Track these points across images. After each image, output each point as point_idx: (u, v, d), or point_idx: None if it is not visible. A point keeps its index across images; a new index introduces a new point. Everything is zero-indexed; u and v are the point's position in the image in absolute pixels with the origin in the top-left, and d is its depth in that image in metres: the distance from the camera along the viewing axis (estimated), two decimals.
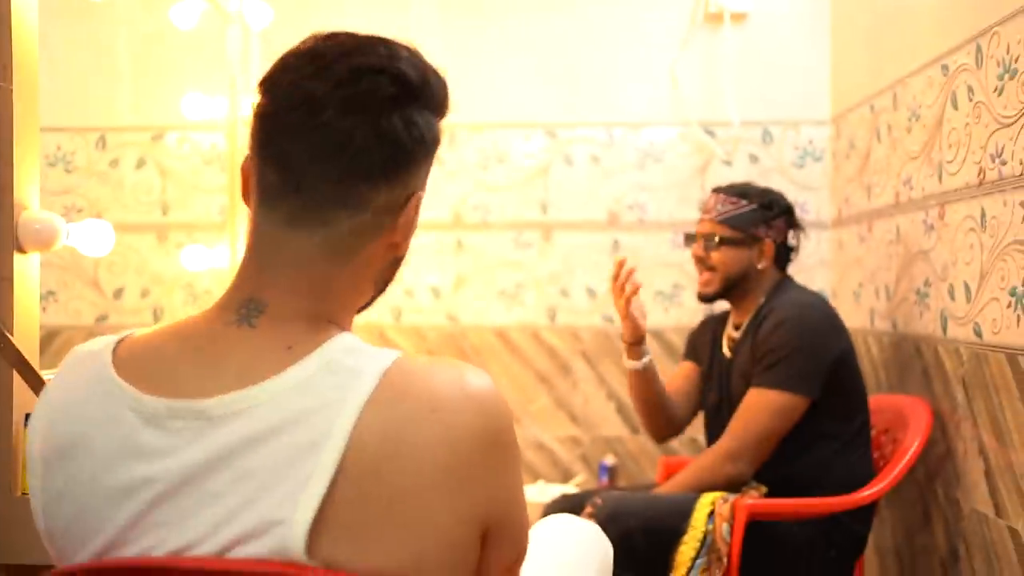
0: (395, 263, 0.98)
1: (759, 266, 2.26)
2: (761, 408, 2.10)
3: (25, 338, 1.47)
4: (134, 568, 0.85)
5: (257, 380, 0.84)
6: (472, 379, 0.88)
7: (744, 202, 2.27)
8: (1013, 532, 1.84)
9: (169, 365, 0.88)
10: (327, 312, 0.90)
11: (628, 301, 2.17)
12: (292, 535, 0.80)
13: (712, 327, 2.43)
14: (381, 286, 0.99)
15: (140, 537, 0.85)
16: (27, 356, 1.45)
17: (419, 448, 0.82)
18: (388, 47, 0.93)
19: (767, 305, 2.24)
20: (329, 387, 0.83)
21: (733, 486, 2.10)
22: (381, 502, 0.81)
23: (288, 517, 0.80)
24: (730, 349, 2.32)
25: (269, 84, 0.92)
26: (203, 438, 0.83)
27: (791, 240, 2.31)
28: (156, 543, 0.84)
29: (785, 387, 2.10)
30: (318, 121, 0.87)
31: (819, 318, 2.17)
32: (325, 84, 0.88)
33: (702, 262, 2.28)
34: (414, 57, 0.94)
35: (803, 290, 2.30)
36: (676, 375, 2.44)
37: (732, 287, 2.27)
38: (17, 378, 1.44)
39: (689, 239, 2.33)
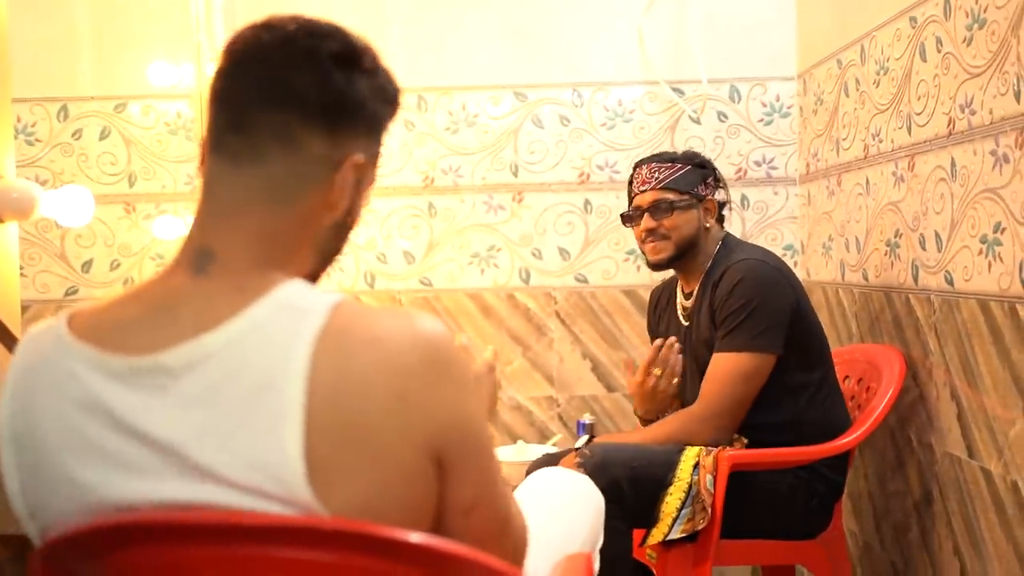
0: (338, 232, 1.00)
1: (706, 225, 2.29)
2: (730, 372, 2.12)
3: (5, 308, 1.46)
4: (129, 526, 0.85)
5: (213, 326, 0.86)
6: (417, 318, 0.92)
7: (679, 165, 2.29)
8: (986, 472, 1.89)
9: (127, 325, 0.90)
10: (274, 260, 0.93)
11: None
12: (289, 471, 0.82)
13: (663, 301, 2.45)
14: (325, 256, 1.01)
15: (122, 497, 0.86)
16: (8, 325, 1.44)
17: (367, 378, 0.86)
18: (344, 31, 1.00)
19: (717, 266, 2.24)
20: (282, 327, 0.86)
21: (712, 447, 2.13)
22: (341, 435, 0.84)
23: (277, 455, 0.82)
24: (685, 317, 2.33)
25: (227, 45, 0.98)
26: (167, 393, 0.85)
27: (723, 196, 2.35)
28: (141, 501, 0.85)
29: (751, 348, 2.11)
30: (263, 65, 0.94)
31: (771, 273, 2.17)
32: (275, 38, 0.95)
33: (654, 233, 2.26)
34: (370, 49, 1.01)
35: (749, 247, 2.32)
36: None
37: (684, 251, 2.27)
38: (1, 348, 1.43)
39: (631, 218, 2.31)
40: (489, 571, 0.91)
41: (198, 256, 0.92)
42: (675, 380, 2.23)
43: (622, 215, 2.36)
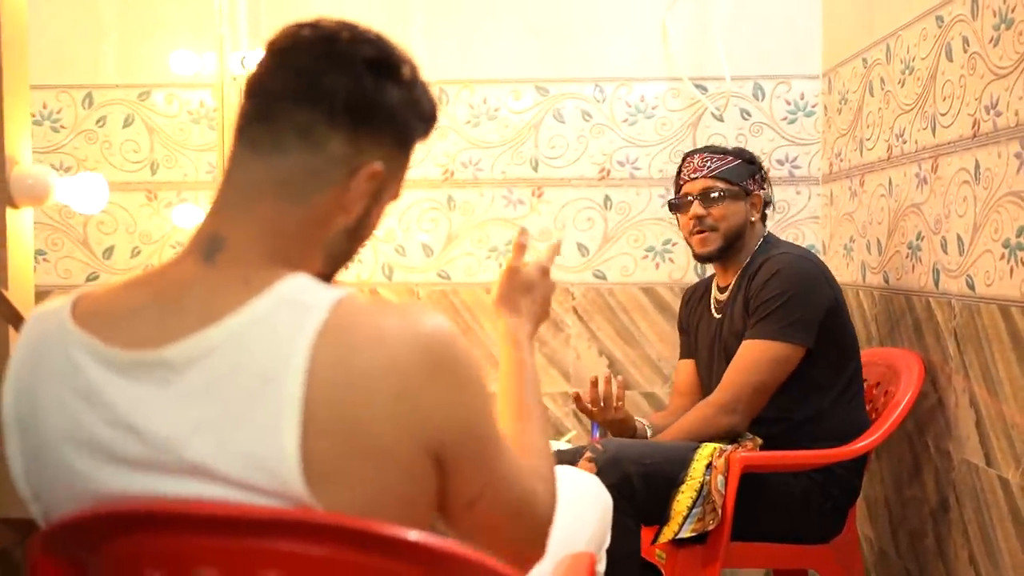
0: (349, 238, 0.99)
1: (752, 220, 2.29)
2: (756, 359, 2.11)
3: (20, 294, 1.46)
4: (127, 515, 0.85)
5: (216, 319, 0.86)
6: (420, 315, 0.91)
7: (730, 157, 2.31)
8: (1003, 481, 1.87)
9: (132, 314, 0.90)
10: (282, 255, 0.93)
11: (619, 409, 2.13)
12: (285, 467, 0.82)
13: (696, 297, 2.45)
14: (334, 260, 1.00)
15: (118, 490, 0.86)
16: (22, 312, 1.45)
17: (368, 375, 0.85)
18: (388, 41, 1.00)
19: (756, 259, 2.25)
20: (284, 322, 0.86)
21: (728, 437, 2.11)
22: (341, 432, 0.84)
23: (274, 451, 0.82)
24: (718, 310, 2.33)
25: (271, 39, 0.99)
26: (169, 387, 0.85)
27: (769, 194, 2.36)
28: (136, 494, 0.85)
29: (780, 337, 2.11)
30: (297, 60, 0.95)
31: (811, 268, 2.18)
32: (315, 35, 0.96)
33: (702, 221, 2.26)
34: (410, 62, 1.00)
35: (790, 244, 2.35)
36: (680, 373, 2.46)
37: (731, 244, 2.27)
38: (14, 334, 1.44)
39: (679, 206, 2.31)
40: (488, 570, 0.90)
41: (208, 242, 0.92)
42: (619, 404, 2.14)
43: (670, 203, 2.36)
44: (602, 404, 2.11)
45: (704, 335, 2.36)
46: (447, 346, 0.90)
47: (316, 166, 0.93)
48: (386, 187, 1.00)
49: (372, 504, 0.86)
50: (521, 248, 1.27)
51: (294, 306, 0.87)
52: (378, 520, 0.85)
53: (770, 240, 2.33)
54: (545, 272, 1.27)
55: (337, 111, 0.93)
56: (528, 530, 0.99)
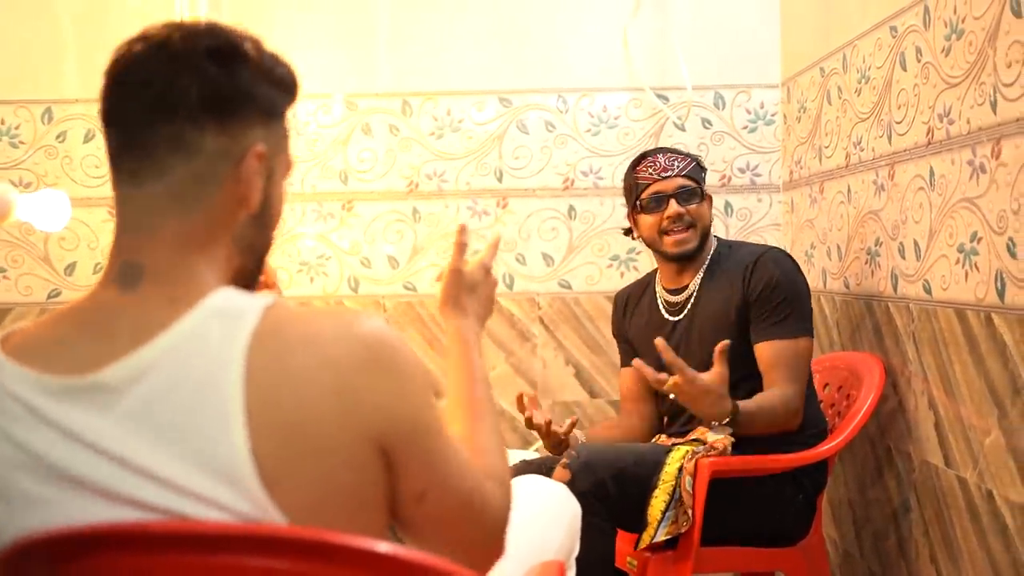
0: (257, 226, 0.98)
1: (711, 220, 2.34)
2: (798, 357, 2.14)
3: None
4: (86, 535, 0.84)
5: (147, 339, 0.87)
6: (354, 315, 0.92)
7: (690, 158, 2.32)
8: (961, 481, 1.90)
9: (60, 345, 0.90)
10: (201, 266, 0.93)
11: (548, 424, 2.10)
12: (241, 473, 0.83)
13: (633, 303, 2.42)
14: (253, 252, 1.00)
15: (79, 512, 0.85)
16: None
17: (304, 375, 0.86)
18: (220, 26, 0.98)
19: (724, 259, 2.27)
20: (216, 333, 0.86)
21: (782, 436, 2.12)
22: (284, 433, 0.85)
23: (227, 459, 0.83)
24: (672, 313, 2.31)
25: (107, 65, 0.96)
26: (112, 410, 0.85)
27: None
28: (97, 514, 0.85)
29: (805, 332, 2.17)
30: (143, 75, 0.93)
31: (796, 264, 2.27)
32: (148, 47, 0.94)
33: (681, 219, 2.23)
34: (250, 38, 0.98)
35: (750, 243, 2.39)
36: (625, 380, 2.42)
37: (703, 243, 2.28)
38: None
39: (655, 205, 2.24)
40: None
41: (124, 271, 0.92)
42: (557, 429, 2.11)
43: (640, 203, 2.27)
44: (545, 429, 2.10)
45: (649, 340, 2.25)
46: (383, 340, 0.91)
47: (200, 171, 0.93)
48: (276, 164, 0.99)
49: (324, 501, 0.87)
50: (462, 247, 1.26)
51: (224, 316, 0.88)
52: (333, 517, 0.86)
53: (724, 240, 2.37)
54: (487, 270, 1.27)
55: (197, 111, 0.92)
56: (481, 527, 0.99)
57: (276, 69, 0.99)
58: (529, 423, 2.13)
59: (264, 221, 0.99)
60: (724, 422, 2.03)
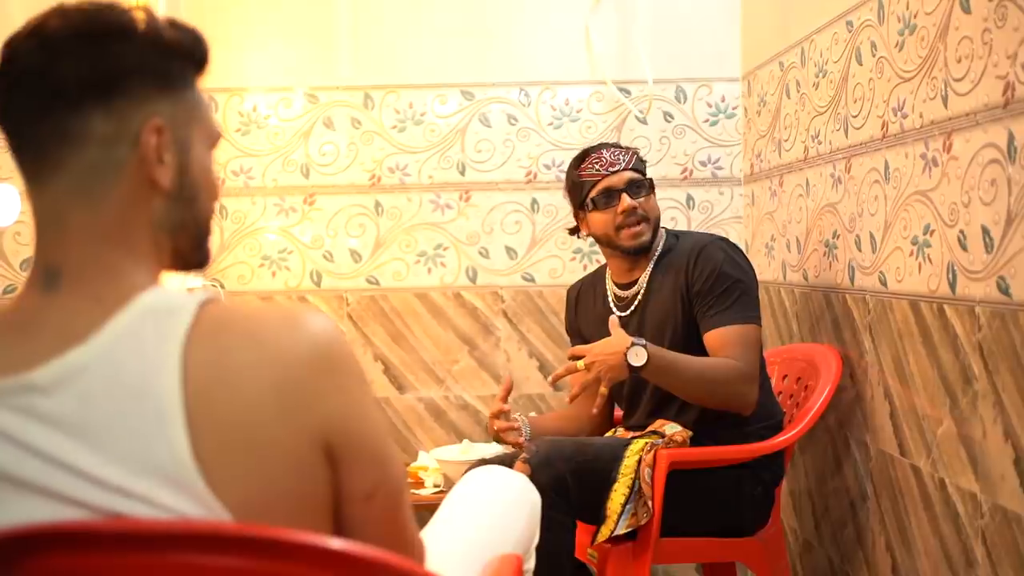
0: (180, 203, 0.94)
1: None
2: (748, 339, 2.11)
3: None
4: (26, 536, 0.83)
5: (78, 339, 0.85)
6: (297, 311, 0.90)
7: (632, 151, 2.30)
8: (915, 469, 1.93)
9: None
10: (124, 259, 0.90)
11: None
12: (183, 472, 0.82)
13: (588, 298, 2.40)
14: (185, 232, 0.96)
15: (21, 514, 0.84)
16: None
17: (243, 372, 0.85)
18: (90, 5, 0.92)
19: (673, 251, 2.25)
20: (151, 332, 0.85)
21: (737, 408, 2.11)
22: (224, 431, 0.84)
23: (167, 458, 0.82)
24: (622, 308, 2.30)
25: None
26: (40, 411, 0.83)
27: None
28: (39, 516, 0.83)
29: (753, 320, 2.14)
30: (21, 67, 0.89)
31: (742, 252, 2.25)
32: (27, 36, 0.90)
33: (635, 213, 2.21)
34: (122, 11, 0.92)
35: (699, 233, 2.35)
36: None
37: (655, 235, 2.26)
38: None
39: (607, 200, 2.21)
40: (401, 573, 0.91)
41: (45, 274, 0.90)
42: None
43: (591, 201, 2.23)
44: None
45: (601, 335, 2.20)
46: (330, 343, 0.90)
47: (95, 159, 0.89)
48: (190, 134, 0.94)
49: (268, 499, 0.86)
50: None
51: (158, 314, 0.86)
52: (277, 515, 0.86)
53: (672, 231, 2.33)
54: None
55: (76, 97, 0.88)
56: (417, 539, 1.00)
57: (170, 36, 0.93)
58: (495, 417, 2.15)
59: (186, 196, 0.94)
60: (640, 344, 2.01)
